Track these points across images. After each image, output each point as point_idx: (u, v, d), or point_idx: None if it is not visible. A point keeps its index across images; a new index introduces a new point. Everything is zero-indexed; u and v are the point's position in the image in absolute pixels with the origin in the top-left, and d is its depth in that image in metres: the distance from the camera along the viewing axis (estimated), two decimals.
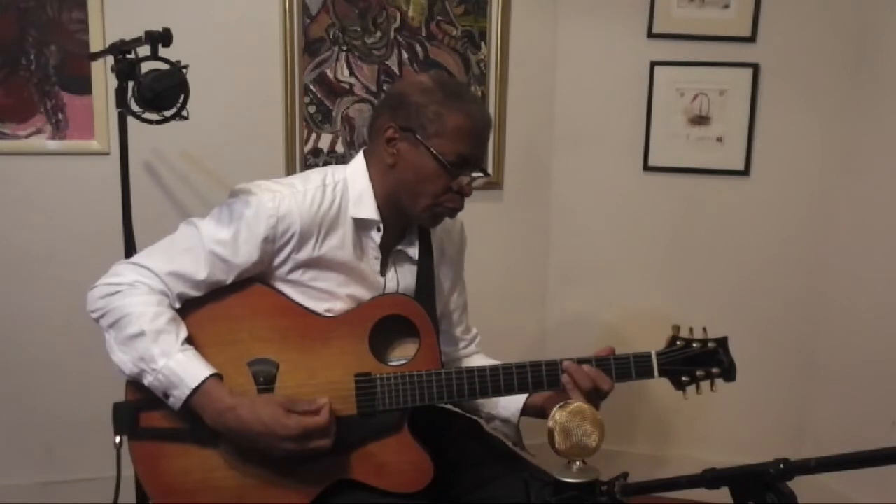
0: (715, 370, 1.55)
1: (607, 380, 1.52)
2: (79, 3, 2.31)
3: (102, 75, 2.31)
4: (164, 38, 1.61)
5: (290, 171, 2.51)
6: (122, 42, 1.72)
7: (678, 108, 2.65)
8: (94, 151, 2.39)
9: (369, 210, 1.57)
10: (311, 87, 2.52)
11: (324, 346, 1.53)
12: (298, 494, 1.50)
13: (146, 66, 1.63)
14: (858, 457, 0.92)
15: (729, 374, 1.56)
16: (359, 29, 2.53)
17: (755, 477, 0.97)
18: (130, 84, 1.64)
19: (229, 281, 1.51)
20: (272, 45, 2.46)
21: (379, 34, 2.55)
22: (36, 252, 2.41)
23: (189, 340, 1.47)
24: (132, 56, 1.69)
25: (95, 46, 2.30)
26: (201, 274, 1.49)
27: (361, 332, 1.54)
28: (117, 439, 1.47)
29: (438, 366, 1.56)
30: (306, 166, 2.53)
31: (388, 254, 1.64)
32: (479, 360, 1.79)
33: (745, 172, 2.64)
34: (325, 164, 2.50)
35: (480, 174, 1.60)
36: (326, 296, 1.56)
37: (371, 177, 1.59)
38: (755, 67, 2.58)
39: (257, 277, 1.55)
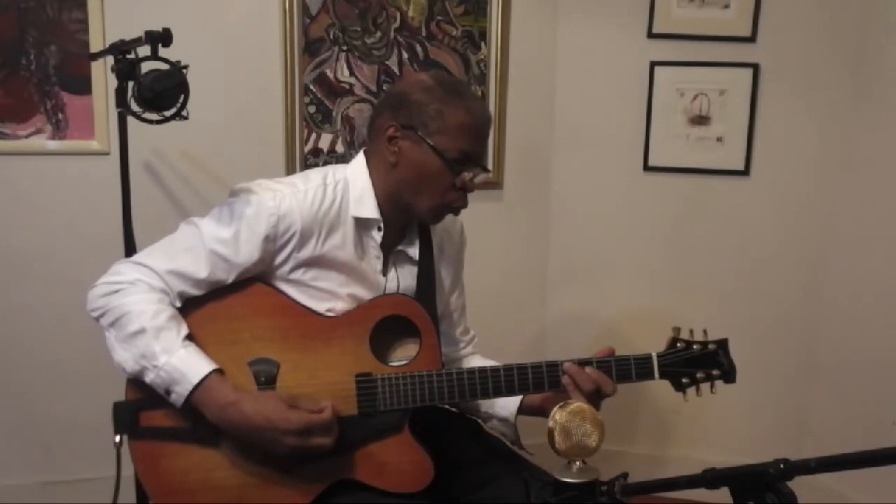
0: (715, 372, 1.55)
1: (610, 383, 1.52)
2: (79, 3, 2.31)
3: (102, 75, 2.31)
4: (164, 38, 1.61)
5: (290, 170, 2.51)
6: (122, 42, 1.72)
7: (678, 108, 2.66)
8: (94, 151, 2.39)
9: (370, 209, 1.57)
10: (311, 87, 2.52)
11: (325, 346, 1.53)
12: (299, 494, 1.49)
13: (146, 66, 1.63)
14: (858, 457, 0.92)
15: (729, 376, 1.56)
16: (359, 29, 2.53)
17: (755, 477, 0.97)
18: (130, 84, 1.64)
19: (230, 280, 1.51)
20: (272, 45, 2.46)
21: (379, 34, 2.55)
22: (36, 252, 2.41)
23: (190, 337, 1.47)
24: (132, 56, 1.68)
25: (95, 46, 2.30)
26: (202, 273, 1.49)
27: (362, 332, 1.54)
28: (117, 438, 1.47)
29: (439, 366, 1.56)
30: (306, 166, 2.53)
31: (389, 254, 1.64)
32: (476, 361, 1.79)
33: (745, 172, 2.64)
34: (326, 164, 2.50)
35: (482, 171, 1.60)
36: (328, 295, 1.56)
37: (372, 176, 1.59)
38: (755, 67, 2.58)
39: (258, 277, 1.55)
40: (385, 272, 1.63)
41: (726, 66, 2.59)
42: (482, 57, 2.65)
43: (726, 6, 2.57)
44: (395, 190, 1.58)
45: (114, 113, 1.82)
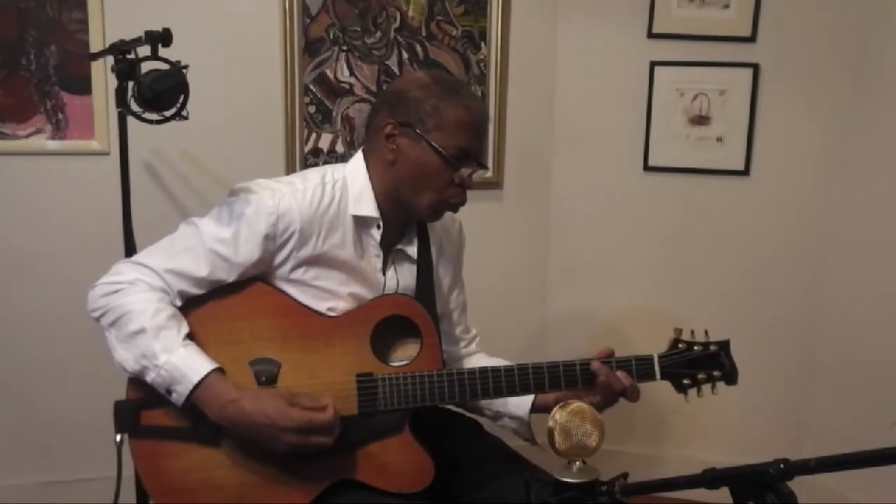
0: (716, 373, 1.55)
1: (637, 393, 1.54)
2: (79, 3, 2.31)
3: (102, 75, 2.31)
4: (164, 38, 1.61)
5: (290, 170, 2.51)
6: (122, 42, 1.72)
7: (678, 108, 2.65)
8: (94, 151, 2.39)
9: (369, 208, 1.58)
10: (311, 87, 2.52)
11: (325, 345, 1.53)
12: (299, 494, 1.49)
13: (146, 66, 1.62)
14: (858, 457, 0.92)
15: (730, 377, 1.56)
16: (359, 29, 2.53)
17: (755, 477, 0.97)
18: (130, 84, 1.64)
19: (231, 280, 1.52)
20: (272, 45, 2.46)
21: (379, 34, 2.55)
22: (36, 252, 2.41)
23: (190, 337, 1.47)
24: (132, 56, 1.68)
25: (95, 46, 2.30)
26: (202, 272, 1.49)
27: (363, 332, 1.54)
28: (118, 437, 1.47)
29: (440, 366, 1.56)
30: (306, 166, 2.53)
31: (388, 252, 1.64)
32: (479, 359, 1.80)
33: (745, 172, 2.64)
34: (325, 164, 2.50)
35: (481, 168, 1.60)
36: (328, 295, 1.56)
37: (370, 175, 1.59)
38: (755, 67, 2.58)
39: (259, 277, 1.55)
40: (384, 271, 1.64)
41: (726, 66, 2.59)
42: (482, 57, 2.65)
43: (726, 6, 2.57)
44: (394, 188, 1.58)
45: (114, 113, 1.82)
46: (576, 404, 1.17)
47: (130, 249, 1.82)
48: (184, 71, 1.58)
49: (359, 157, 1.62)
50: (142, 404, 1.49)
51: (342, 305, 1.57)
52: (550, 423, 1.16)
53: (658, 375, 1.55)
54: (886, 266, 2.44)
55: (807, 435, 2.72)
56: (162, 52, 1.61)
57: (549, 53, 2.72)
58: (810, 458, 0.95)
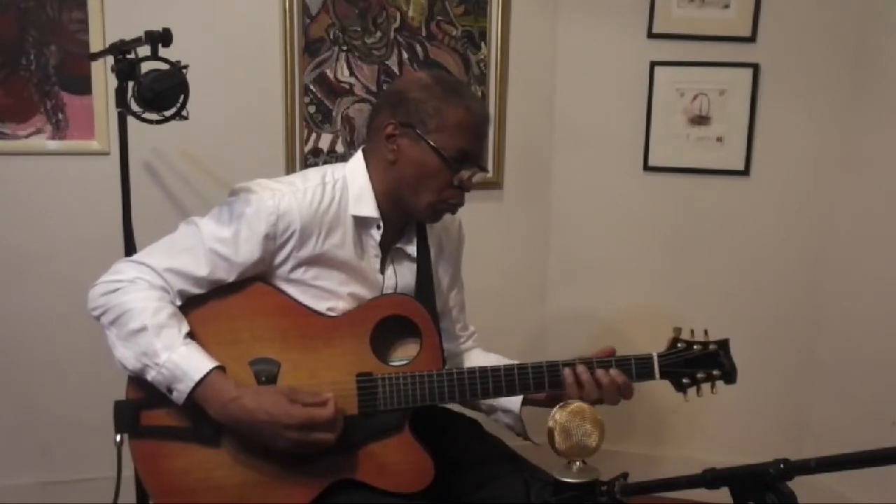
0: (716, 372, 1.55)
1: (630, 388, 1.54)
2: (79, 3, 2.31)
3: (102, 75, 2.31)
4: (164, 38, 1.61)
5: (289, 171, 2.51)
6: (122, 42, 1.72)
7: (678, 108, 2.66)
8: (94, 151, 2.39)
9: (369, 208, 1.58)
10: (311, 87, 2.52)
11: (325, 345, 1.53)
12: (299, 494, 1.49)
13: (146, 66, 1.63)
14: (858, 457, 0.92)
15: (730, 376, 1.56)
16: (359, 29, 2.53)
17: (755, 477, 0.97)
18: (130, 84, 1.64)
19: (231, 279, 1.52)
20: (272, 45, 2.46)
21: (379, 34, 2.55)
22: (36, 252, 2.41)
23: (190, 335, 1.47)
24: (132, 56, 1.68)
25: (95, 46, 2.30)
26: (202, 271, 1.49)
27: (363, 331, 1.54)
28: (118, 437, 1.47)
29: (440, 366, 1.56)
30: (306, 166, 2.52)
31: (387, 252, 1.64)
32: (477, 355, 1.81)
33: (745, 172, 2.64)
34: (325, 164, 2.49)
35: (480, 170, 1.60)
36: (328, 294, 1.56)
37: (370, 174, 1.59)
38: (755, 67, 2.58)
39: (259, 276, 1.55)
40: (383, 270, 1.64)
41: (726, 66, 2.59)
42: (482, 57, 2.65)
43: (726, 6, 2.57)
44: (394, 188, 1.58)
45: (114, 113, 1.82)
46: (576, 404, 1.17)
47: (130, 249, 1.82)
48: (184, 71, 1.58)
49: (358, 156, 1.62)
50: (142, 404, 1.49)
51: (342, 305, 1.57)
52: (550, 423, 1.16)
53: (657, 375, 1.55)
54: (886, 266, 2.44)
55: (807, 435, 2.72)
56: (162, 52, 1.61)
57: (549, 53, 2.72)
58: (810, 458, 0.95)
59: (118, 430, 1.48)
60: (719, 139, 2.65)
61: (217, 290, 1.52)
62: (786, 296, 2.70)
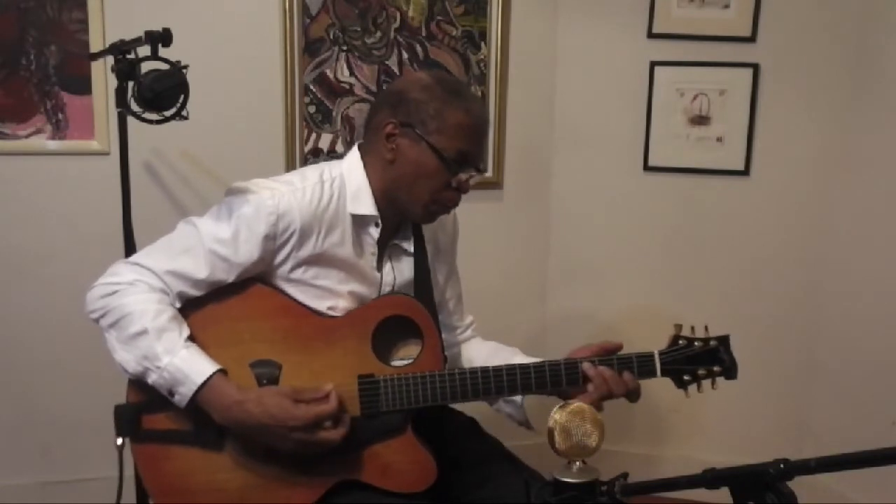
0: (716, 368, 1.56)
1: (637, 387, 1.55)
2: (79, 3, 2.31)
3: (102, 75, 2.31)
4: (164, 38, 1.61)
5: (289, 170, 2.50)
6: (122, 42, 1.72)
7: (678, 108, 2.65)
8: (94, 151, 2.39)
9: (367, 206, 1.57)
10: (311, 87, 2.52)
11: (326, 347, 1.53)
12: (302, 495, 1.49)
13: (146, 66, 1.63)
14: (858, 457, 0.92)
15: (730, 372, 1.56)
16: (359, 29, 2.53)
17: (755, 477, 0.97)
18: (130, 84, 1.64)
19: (230, 280, 1.51)
20: (272, 45, 2.46)
21: (379, 34, 2.55)
22: (36, 252, 2.41)
23: (191, 338, 1.47)
24: (132, 56, 1.69)
25: (95, 46, 2.30)
26: (202, 273, 1.49)
27: (364, 332, 1.54)
28: (119, 441, 1.47)
29: (442, 366, 1.55)
30: (306, 166, 2.52)
31: (384, 248, 1.64)
32: (476, 344, 1.80)
33: (745, 172, 2.64)
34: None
35: (478, 172, 1.59)
36: (328, 293, 1.56)
37: (368, 173, 1.58)
38: (755, 67, 2.58)
39: (258, 277, 1.54)
40: (381, 266, 1.63)
41: (726, 66, 2.59)
42: (482, 57, 2.65)
43: (726, 6, 2.57)
44: (391, 187, 1.57)
45: (114, 113, 1.82)
46: (575, 404, 1.17)
47: (130, 249, 1.82)
48: (184, 71, 1.58)
49: (354, 153, 1.61)
50: (142, 408, 1.49)
51: (342, 304, 1.57)
52: (550, 423, 1.16)
53: (659, 372, 1.55)
54: (886, 266, 2.44)
55: (807, 435, 2.72)
56: (162, 52, 1.61)
57: (549, 53, 2.72)
58: (810, 458, 0.95)
59: (119, 434, 1.47)
60: (719, 139, 2.65)
61: (217, 292, 1.52)
62: (786, 296, 2.70)
